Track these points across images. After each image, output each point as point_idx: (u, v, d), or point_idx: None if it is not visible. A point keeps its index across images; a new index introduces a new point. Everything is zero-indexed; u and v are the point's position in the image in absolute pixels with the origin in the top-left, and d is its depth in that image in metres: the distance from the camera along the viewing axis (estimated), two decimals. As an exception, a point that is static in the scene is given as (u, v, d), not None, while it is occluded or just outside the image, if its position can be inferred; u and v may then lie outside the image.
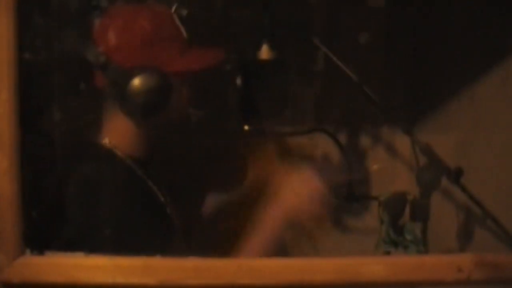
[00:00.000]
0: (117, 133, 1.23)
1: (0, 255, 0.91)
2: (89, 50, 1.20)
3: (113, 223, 1.15)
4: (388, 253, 1.30)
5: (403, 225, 1.30)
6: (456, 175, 1.33)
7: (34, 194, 0.96)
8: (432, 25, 1.66)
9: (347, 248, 1.64)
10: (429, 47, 1.68)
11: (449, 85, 1.61)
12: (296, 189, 1.21)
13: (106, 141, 1.23)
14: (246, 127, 1.24)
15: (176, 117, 1.26)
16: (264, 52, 1.26)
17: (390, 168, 1.69)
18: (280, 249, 1.22)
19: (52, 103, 1.14)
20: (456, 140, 1.59)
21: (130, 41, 1.19)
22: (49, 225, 1.05)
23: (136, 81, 1.17)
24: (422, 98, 1.70)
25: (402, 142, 1.63)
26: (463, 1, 1.53)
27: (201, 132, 1.40)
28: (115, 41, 1.19)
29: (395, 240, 1.28)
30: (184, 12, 1.25)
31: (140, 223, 1.19)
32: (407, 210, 1.30)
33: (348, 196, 1.36)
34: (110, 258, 0.91)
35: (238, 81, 1.22)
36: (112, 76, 1.20)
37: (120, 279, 0.90)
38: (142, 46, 1.19)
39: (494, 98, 1.49)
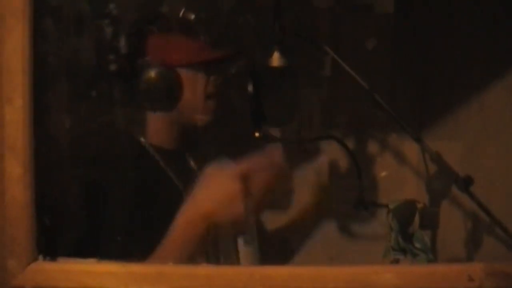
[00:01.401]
0: (140, 121, 1.29)
1: (13, 261, 0.91)
2: (101, 55, 1.22)
3: (125, 205, 1.21)
4: (397, 260, 1.30)
5: (413, 232, 1.29)
6: (466, 183, 1.33)
7: (47, 201, 0.97)
8: (441, 31, 1.66)
9: (355, 255, 1.64)
10: (437, 53, 1.68)
11: (458, 92, 1.61)
12: (213, 188, 1.13)
13: (130, 131, 1.29)
14: (256, 134, 1.24)
15: (192, 112, 1.31)
16: (275, 59, 1.26)
17: (399, 175, 1.69)
18: (200, 251, 1.15)
19: (64, 108, 1.15)
20: (464, 148, 1.59)
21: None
22: (61, 231, 1.06)
23: (148, 75, 1.23)
24: (431, 105, 1.70)
25: (411, 149, 1.63)
26: (472, 8, 1.53)
27: (212, 138, 1.41)
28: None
29: (404, 247, 1.28)
30: (192, 16, 1.27)
31: (150, 206, 1.22)
32: (417, 218, 1.30)
33: (357, 203, 1.36)
34: (123, 265, 0.91)
35: (249, 87, 1.22)
36: (123, 75, 1.25)
37: (132, 286, 0.90)
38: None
39: (503, 106, 1.49)
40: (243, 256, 1.24)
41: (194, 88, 1.31)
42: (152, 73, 1.24)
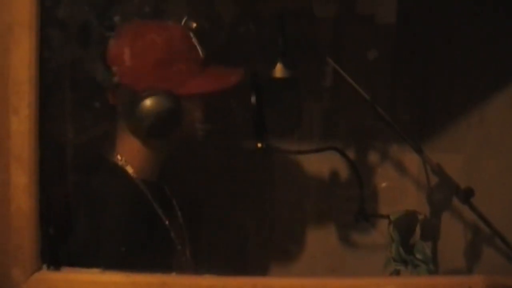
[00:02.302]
0: (129, 151, 1.24)
1: (17, 270, 0.92)
2: (102, 69, 1.21)
3: (116, 241, 1.16)
4: (398, 271, 1.30)
5: (413, 244, 1.30)
6: (466, 195, 1.33)
7: (51, 210, 0.97)
8: (442, 43, 1.66)
9: (356, 266, 1.65)
10: (438, 65, 1.68)
11: (459, 104, 1.62)
12: None
13: (118, 158, 1.24)
14: (259, 145, 1.25)
15: (186, 136, 1.27)
16: (278, 71, 1.27)
17: (399, 186, 1.69)
18: None
19: (68, 120, 1.15)
20: (465, 160, 1.59)
21: (143, 62, 1.19)
22: (65, 241, 1.06)
23: (145, 104, 1.17)
24: (431, 117, 1.70)
25: (412, 161, 1.63)
26: (473, 20, 1.54)
27: (213, 149, 1.41)
28: (128, 63, 1.19)
29: (405, 258, 1.28)
30: (193, 25, 1.26)
31: (141, 243, 1.20)
32: (417, 229, 1.31)
33: (358, 214, 1.36)
34: (126, 275, 0.92)
35: (252, 99, 1.23)
36: (122, 96, 1.21)
37: (135, 296, 0.90)
38: (155, 68, 1.19)
39: (504, 118, 1.49)
40: None
41: (193, 114, 1.26)
42: (155, 102, 1.18)
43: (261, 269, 1.66)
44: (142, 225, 1.23)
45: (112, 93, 1.22)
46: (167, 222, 1.27)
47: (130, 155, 1.24)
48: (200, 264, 1.35)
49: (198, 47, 1.24)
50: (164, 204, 1.29)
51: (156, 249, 1.24)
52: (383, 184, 1.68)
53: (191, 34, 1.23)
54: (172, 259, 1.28)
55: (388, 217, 1.28)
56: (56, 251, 0.96)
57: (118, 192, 1.22)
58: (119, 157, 1.24)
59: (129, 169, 1.24)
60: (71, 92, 1.13)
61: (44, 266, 0.93)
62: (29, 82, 0.91)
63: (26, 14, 0.91)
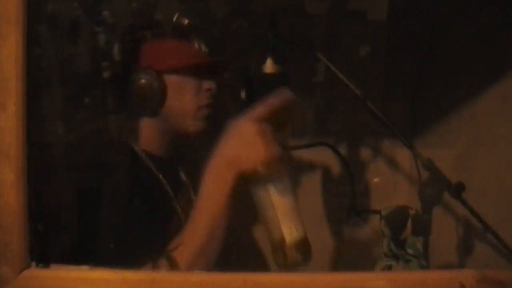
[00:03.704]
0: (134, 131, 1.30)
1: (6, 268, 0.91)
2: (94, 61, 1.22)
3: (117, 207, 1.20)
4: (389, 266, 1.30)
5: (405, 239, 1.30)
6: (457, 190, 1.33)
7: (40, 207, 0.96)
8: (434, 39, 1.67)
9: (347, 261, 1.65)
10: (430, 61, 1.69)
11: (450, 100, 1.62)
12: (235, 137, 1.05)
13: (123, 138, 1.30)
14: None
15: (183, 120, 1.32)
16: (269, 66, 1.27)
17: (391, 182, 1.69)
18: (233, 205, 1.06)
19: (58, 114, 1.15)
20: (456, 155, 1.60)
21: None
22: (55, 238, 1.05)
23: (132, 80, 1.27)
24: (424, 112, 1.71)
25: (403, 156, 1.64)
26: (465, 17, 1.54)
27: (204, 145, 1.41)
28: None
29: (396, 254, 1.28)
30: (185, 21, 1.28)
31: (144, 214, 1.22)
32: (409, 225, 1.31)
33: (349, 209, 1.36)
34: (116, 272, 0.91)
35: (243, 94, 1.23)
36: (114, 82, 1.26)
37: (125, 293, 0.90)
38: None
39: (495, 114, 1.50)
40: (278, 206, 1.08)
41: (186, 95, 1.32)
42: (136, 78, 1.27)
43: (251, 265, 1.65)
44: (144, 196, 1.26)
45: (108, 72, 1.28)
46: (170, 192, 1.31)
47: (132, 131, 1.31)
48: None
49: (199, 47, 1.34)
50: (174, 181, 1.33)
51: (157, 219, 1.26)
52: (375, 180, 1.69)
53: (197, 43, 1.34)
54: (173, 227, 1.29)
55: (379, 212, 1.28)
56: (45, 248, 0.95)
57: (119, 163, 1.27)
58: (121, 133, 1.31)
59: (132, 144, 1.31)
60: (59, 88, 1.12)
61: (33, 264, 0.92)
62: (16, 78, 0.90)
63: (13, 9, 0.90)
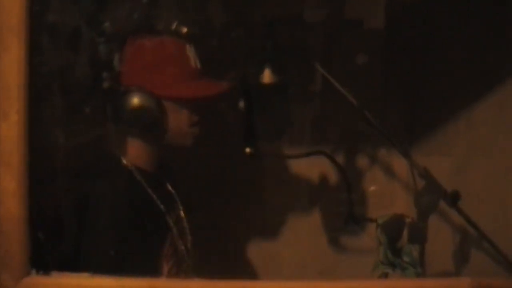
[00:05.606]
0: (125, 146, 1.28)
1: (6, 275, 0.92)
2: (93, 73, 1.23)
3: (110, 225, 1.20)
4: (386, 274, 1.31)
5: (401, 247, 1.31)
6: (453, 199, 1.34)
7: (40, 215, 0.97)
8: (430, 47, 1.68)
9: (344, 269, 1.65)
10: (427, 69, 1.69)
11: (447, 108, 1.63)
12: None
13: (115, 152, 1.29)
14: (248, 150, 1.25)
15: (175, 138, 1.30)
16: (267, 76, 1.28)
17: (388, 190, 1.70)
18: None
19: (58, 123, 1.16)
20: (452, 163, 1.60)
21: (131, 65, 1.26)
22: (55, 246, 1.06)
23: (129, 101, 1.23)
24: (420, 121, 1.72)
25: (400, 164, 1.64)
26: (461, 25, 1.55)
27: (203, 154, 1.42)
28: (123, 66, 1.25)
29: (393, 261, 1.29)
30: (183, 30, 1.28)
31: (135, 227, 1.23)
32: (405, 233, 1.32)
33: (347, 218, 1.37)
34: (116, 279, 0.92)
35: (241, 104, 1.24)
36: (112, 96, 1.25)
37: (124, 300, 0.91)
38: (142, 71, 1.26)
39: (491, 122, 1.51)
40: None
41: (181, 117, 1.30)
42: (135, 100, 1.24)
43: (250, 273, 1.66)
44: (136, 209, 1.26)
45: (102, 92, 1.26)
46: (162, 207, 1.30)
47: (126, 149, 1.29)
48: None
49: (192, 59, 1.29)
50: (163, 195, 1.33)
51: (151, 234, 1.26)
52: (372, 188, 1.69)
53: (188, 47, 1.29)
54: (165, 240, 1.30)
55: (375, 220, 1.29)
56: (46, 256, 0.96)
57: (111, 178, 1.27)
58: (116, 151, 1.29)
59: (123, 159, 1.29)
60: (61, 97, 1.13)
61: (33, 271, 0.93)
62: (18, 88, 0.91)
63: (15, 19, 0.91)
